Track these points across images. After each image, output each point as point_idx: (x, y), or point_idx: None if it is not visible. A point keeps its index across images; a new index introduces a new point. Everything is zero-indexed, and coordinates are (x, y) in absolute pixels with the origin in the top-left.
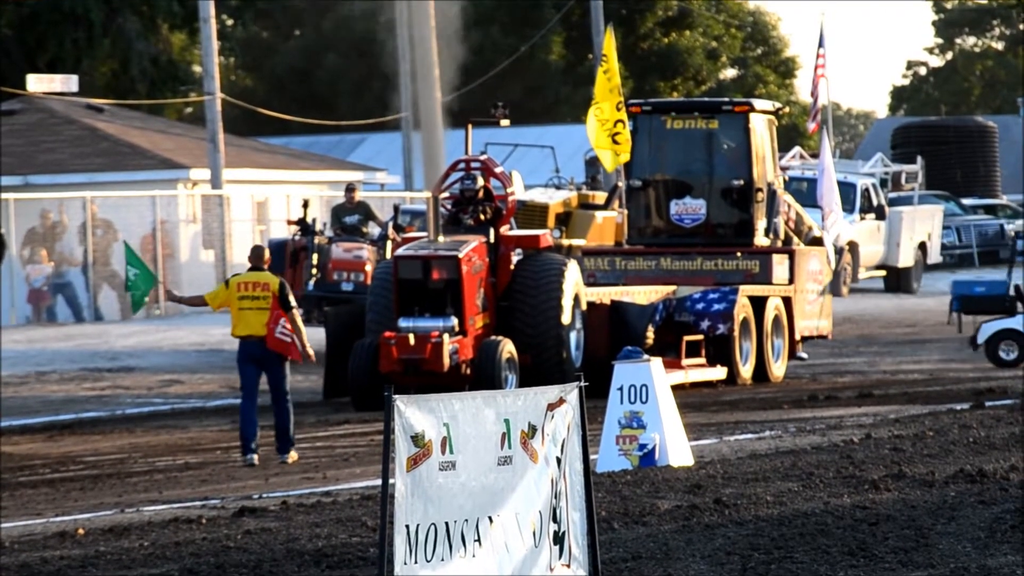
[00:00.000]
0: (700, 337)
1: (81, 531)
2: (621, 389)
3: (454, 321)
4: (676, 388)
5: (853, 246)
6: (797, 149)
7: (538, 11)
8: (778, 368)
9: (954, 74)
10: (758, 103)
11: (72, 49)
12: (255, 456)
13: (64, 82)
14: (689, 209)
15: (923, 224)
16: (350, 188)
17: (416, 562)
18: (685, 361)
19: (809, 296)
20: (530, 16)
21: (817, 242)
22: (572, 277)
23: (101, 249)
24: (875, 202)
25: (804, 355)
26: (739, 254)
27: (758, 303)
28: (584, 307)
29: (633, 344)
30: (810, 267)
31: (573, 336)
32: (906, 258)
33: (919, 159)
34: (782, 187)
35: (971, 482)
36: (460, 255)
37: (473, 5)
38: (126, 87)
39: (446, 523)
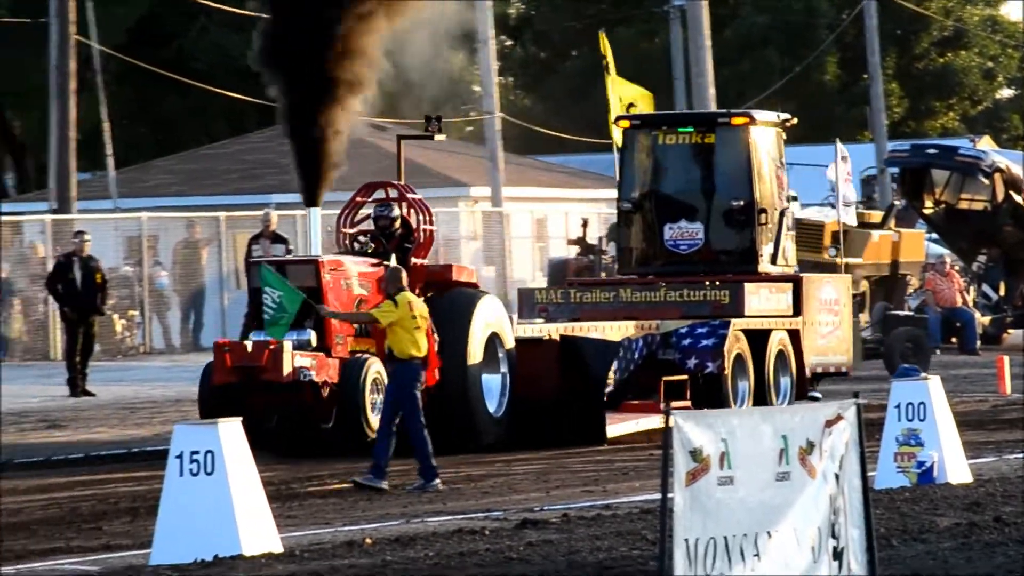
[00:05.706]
0: (684, 377)
1: (369, 540)
2: (899, 407)
3: (310, 335)
4: (636, 435)
5: None
6: None
7: (812, 32)
8: None
9: None
10: (760, 115)
11: None
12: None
13: None
14: (685, 234)
15: None
16: None
17: None
18: (672, 404)
19: (822, 328)
20: (805, 37)
21: None
22: (485, 313)
23: None
24: None
25: (818, 394)
26: (707, 283)
27: (760, 337)
28: (509, 346)
29: (593, 388)
30: (823, 295)
31: (493, 378)
32: None
33: None
34: None
35: None
36: (321, 260)
37: (748, 27)
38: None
39: (724, 537)
